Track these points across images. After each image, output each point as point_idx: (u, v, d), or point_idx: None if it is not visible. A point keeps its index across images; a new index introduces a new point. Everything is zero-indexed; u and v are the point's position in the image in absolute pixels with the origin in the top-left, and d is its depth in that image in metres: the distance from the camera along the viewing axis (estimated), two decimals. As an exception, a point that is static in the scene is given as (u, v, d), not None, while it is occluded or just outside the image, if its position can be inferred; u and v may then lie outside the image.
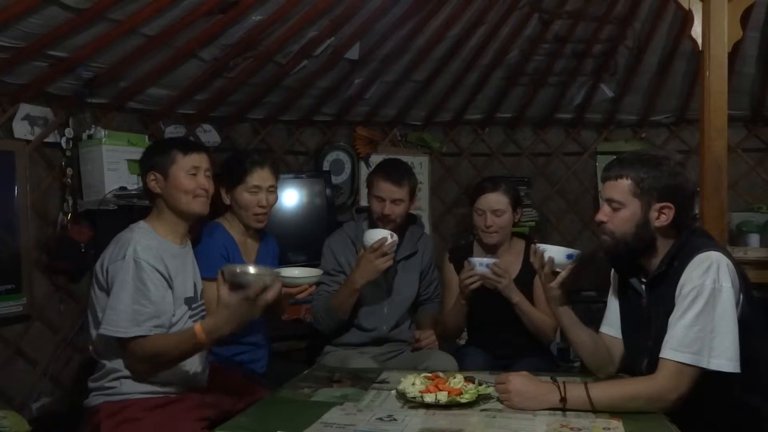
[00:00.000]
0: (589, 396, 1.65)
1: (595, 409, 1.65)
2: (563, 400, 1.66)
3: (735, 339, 1.60)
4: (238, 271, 1.74)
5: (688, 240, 1.74)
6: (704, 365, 1.59)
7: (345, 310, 2.51)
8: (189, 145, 2.09)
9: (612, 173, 1.78)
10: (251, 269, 1.79)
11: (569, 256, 1.89)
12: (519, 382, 1.72)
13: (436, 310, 2.80)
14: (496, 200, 2.56)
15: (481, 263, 2.44)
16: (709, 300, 1.60)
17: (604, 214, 1.79)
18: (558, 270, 1.88)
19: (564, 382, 1.70)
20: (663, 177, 1.72)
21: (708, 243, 1.75)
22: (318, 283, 2.20)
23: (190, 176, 2.03)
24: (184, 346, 1.84)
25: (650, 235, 1.75)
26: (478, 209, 2.59)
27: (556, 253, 1.88)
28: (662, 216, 1.73)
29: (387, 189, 2.53)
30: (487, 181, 2.69)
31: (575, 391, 1.67)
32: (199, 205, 2.05)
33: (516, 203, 2.61)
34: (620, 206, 1.75)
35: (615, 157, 1.85)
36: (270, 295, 1.70)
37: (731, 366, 1.58)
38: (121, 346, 1.86)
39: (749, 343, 1.63)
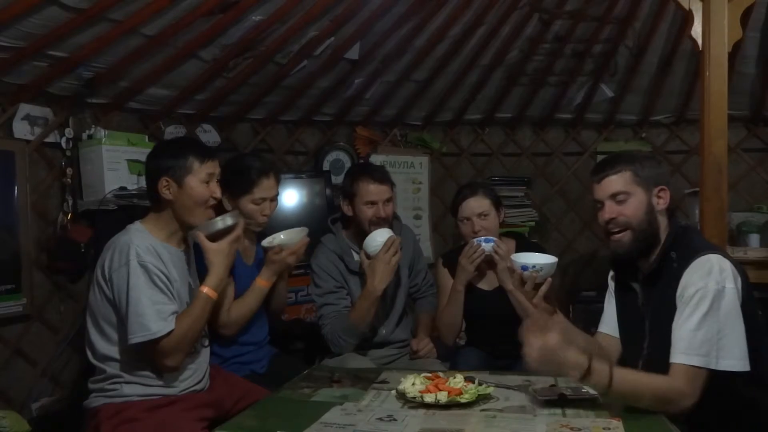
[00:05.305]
0: (611, 376, 1.59)
1: (608, 393, 1.60)
2: (587, 374, 1.58)
3: (742, 338, 1.60)
4: (212, 222, 1.99)
5: (683, 236, 1.77)
6: (713, 366, 1.59)
7: (368, 321, 2.45)
8: (205, 153, 2.02)
9: (609, 170, 1.80)
10: (218, 218, 2.01)
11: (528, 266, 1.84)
12: (553, 341, 1.59)
13: (433, 306, 2.78)
14: (478, 204, 2.53)
15: (487, 240, 2.47)
16: (714, 302, 1.61)
17: (609, 212, 1.78)
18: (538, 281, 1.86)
19: (592, 356, 1.61)
20: (653, 165, 1.84)
21: (706, 244, 1.77)
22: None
23: (204, 185, 1.99)
24: (203, 313, 1.95)
25: (657, 223, 1.78)
26: (462, 218, 2.56)
27: (548, 268, 1.84)
28: (661, 200, 1.79)
29: (377, 191, 2.50)
30: (464, 188, 2.65)
31: (601, 368, 1.60)
32: (207, 214, 2.03)
33: (497, 203, 2.59)
34: (627, 196, 1.77)
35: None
36: (240, 230, 2.05)
37: (740, 365, 1.59)
38: (152, 347, 1.85)
39: (752, 341, 1.63)
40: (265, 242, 2.36)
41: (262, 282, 2.33)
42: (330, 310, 2.51)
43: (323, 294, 2.55)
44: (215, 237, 2.00)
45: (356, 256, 2.58)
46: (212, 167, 2.01)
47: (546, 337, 1.61)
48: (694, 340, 1.61)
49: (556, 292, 1.89)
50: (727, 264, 1.66)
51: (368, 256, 2.42)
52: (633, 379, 1.66)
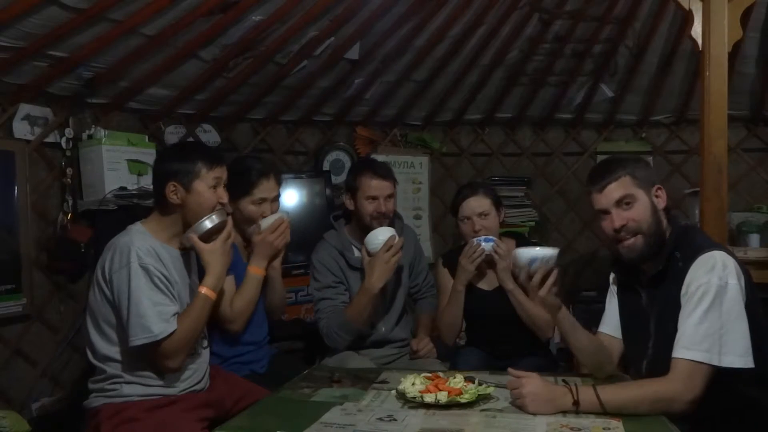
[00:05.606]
0: (599, 399, 1.62)
1: (606, 412, 1.61)
2: (576, 403, 1.63)
3: (745, 334, 1.60)
4: (201, 223, 1.96)
5: (686, 235, 1.76)
6: (715, 363, 1.59)
7: (364, 318, 2.45)
8: (213, 158, 2.01)
9: (608, 177, 1.78)
10: (206, 218, 1.97)
11: (537, 258, 1.83)
12: (533, 385, 1.67)
13: (433, 307, 2.78)
14: (478, 204, 2.53)
15: (487, 239, 2.48)
16: (716, 297, 1.61)
17: (619, 219, 1.76)
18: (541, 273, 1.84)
19: (576, 386, 1.67)
20: (644, 165, 1.85)
21: (709, 242, 1.77)
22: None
23: (211, 190, 1.98)
24: (202, 313, 1.95)
25: (662, 223, 1.78)
26: (463, 217, 2.55)
27: (553, 259, 1.83)
28: (659, 199, 1.79)
29: (379, 186, 2.51)
30: (465, 188, 2.64)
31: (587, 394, 1.64)
32: None
33: (498, 203, 2.59)
34: (632, 200, 1.76)
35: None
36: (230, 226, 2.03)
37: (742, 362, 1.59)
38: (154, 349, 1.84)
39: (755, 340, 1.63)
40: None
41: (253, 269, 2.32)
42: (327, 305, 2.52)
43: (321, 288, 2.55)
44: (208, 237, 1.99)
45: (357, 252, 2.58)
46: (220, 172, 2.01)
47: (527, 380, 1.68)
48: (696, 335, 1.60)
49: (560, 286, 1.88)
50: (730, 261, 1.66)
51: (369, 254, 2.43)
52: (625, 392, 1.67)
